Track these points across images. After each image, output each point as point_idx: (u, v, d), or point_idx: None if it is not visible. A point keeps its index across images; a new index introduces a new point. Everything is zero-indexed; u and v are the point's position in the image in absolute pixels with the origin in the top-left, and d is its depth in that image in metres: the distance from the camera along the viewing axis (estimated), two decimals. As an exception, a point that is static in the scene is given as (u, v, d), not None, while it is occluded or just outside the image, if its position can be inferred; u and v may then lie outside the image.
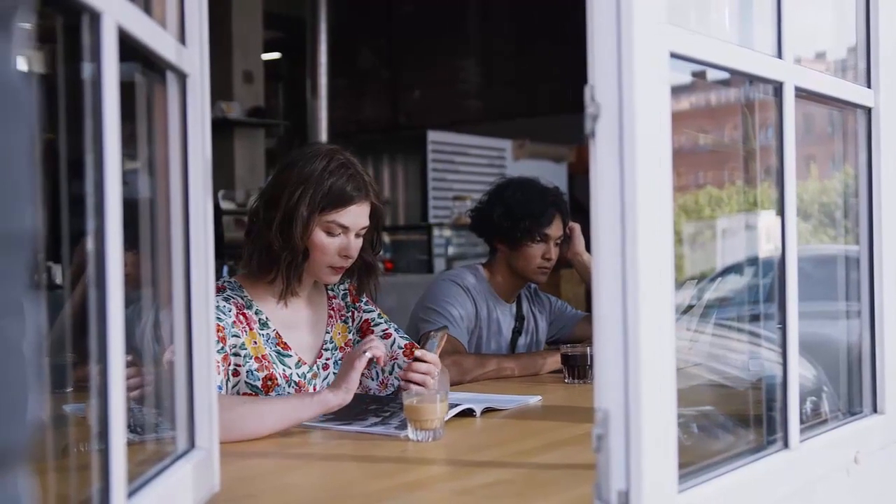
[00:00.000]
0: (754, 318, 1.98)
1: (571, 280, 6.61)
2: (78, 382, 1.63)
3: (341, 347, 2.41)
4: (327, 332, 2.40)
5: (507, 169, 8.22)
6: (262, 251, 2.25)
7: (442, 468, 1.78)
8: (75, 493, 1.18)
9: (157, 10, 1.31)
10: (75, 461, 1.29)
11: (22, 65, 0.64)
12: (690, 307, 2.29)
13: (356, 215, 2.25)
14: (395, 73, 10.75)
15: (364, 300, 2.47)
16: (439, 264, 7.43)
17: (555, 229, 3.07)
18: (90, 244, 1.01)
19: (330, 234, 2.23)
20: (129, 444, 1.08)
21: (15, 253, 0.61)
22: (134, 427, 1.34)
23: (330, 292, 2.46)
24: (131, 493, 1.11)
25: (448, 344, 2.87)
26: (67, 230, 1.11)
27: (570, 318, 3.31)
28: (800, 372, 1.60)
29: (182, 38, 1.37)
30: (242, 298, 2.27)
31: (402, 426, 1.97)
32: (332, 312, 2.42)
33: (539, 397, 2.44)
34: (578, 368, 2.71)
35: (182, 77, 1.37)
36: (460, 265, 4.08)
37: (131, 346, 1.11)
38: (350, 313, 2.46)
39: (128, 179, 1.13)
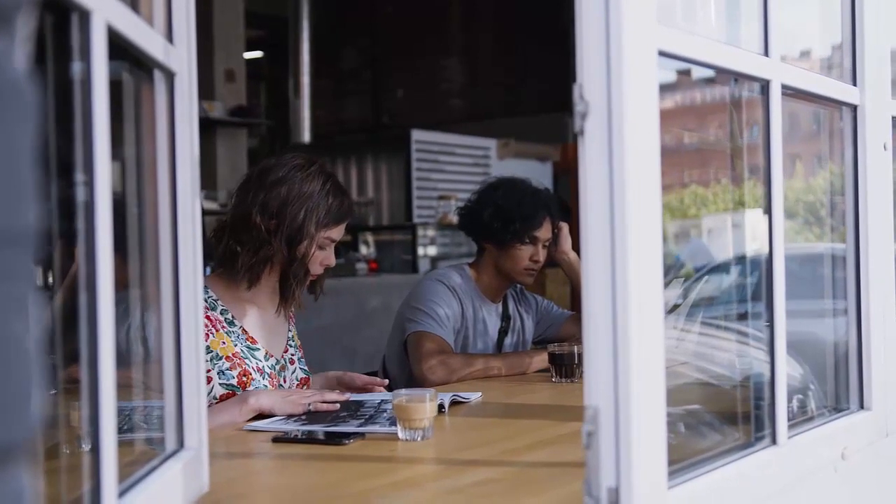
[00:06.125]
0: (740, 317, 1.99)
1: (556, 279, 6.62)
2: (64, 384, 1.62)
3: (300, 346, 2.55)
4: (290, 331, 2.53)
5: (492, 168, 8.21)
6: (262, 263, 2.33)
7: (432, 467, 1.78)
8: (65, 493, 1.17)
9: (144, 8, 1.31)
10: (63, 462, 1.28)
11: (25, 62, 0.64)
12: (676, 306, 2.30)
13: (343, 230, 2.43)
14: (378, 73, 10.75)
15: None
16: (424, 264, 7.42)
17: (544, 232, 3.07)
18: (80, 245, 1.01)
19: (321, 248, 2.38)
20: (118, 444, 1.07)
21: (19, 249, 0.62)
22: (121, 427, 1.34)
23: None
24: (122, 493, 1.10)
25: (434, 344, 2.88)
26: (51, 231, 1.11)
27: (556, 317, 3.32)
28: (787, 370, 1.60)
29: (170, 37, 1.37)
30: (206, 300, 2.30)
31: (394, 422, 1.96)
32: (291, 313, 2.54)
33: (479, 394, 2.45)
34: (566, 367, 2.71)
35: (170, 76, 1.37)
36: (445, 265, 4.08)
37: (117, 348, 1.10)
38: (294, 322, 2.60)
39: (114, 179, 1.13)
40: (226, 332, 2.32)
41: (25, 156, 0.62)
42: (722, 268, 2.64)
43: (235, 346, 2.32)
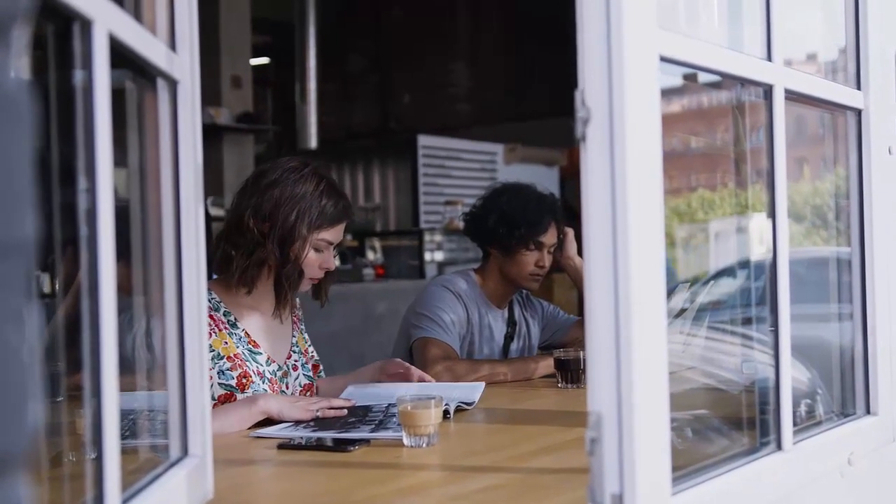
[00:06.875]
0: (747, 321, 1.98)
1: (564, 284, 6.61)
2: (70, 391, 1.63)
3: (304, 352, 2.54)
4: (293, 336, 2.52)
5: (499, 173, 8.21)
6: (256, 266, 2.33)
7: (436, 474, 1.78)
8: (69, 501, 1.18)
9: (147, 16, 1.31)
10: (68, 470, 1.28)
11: (21, 73, 0.64)
12: (683, 310, 2.29)
13: (341, 232, 2.42)
14: (385, 78, 10.75)
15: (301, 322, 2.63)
16: (431, 269, 7.41)
17: (549, 237, 3.07)
18: (83, 253, 1.01)
19: (317, 250, 2.37)
20: (122, 451, 1.08)
21: (15, 260, 0.62)
22: (124, 433, 1.34)
23: None
24: (125, 501, 1.10)
25: (440, 350, 2.88)
26: (56, 239, 1.11)
27: (562, 322, 3.31)
28: (794, 375, 1.60)
29: (172, 45, 1.37)
30: (210, 301, 2.30)
31: (400, 428, 1.96)
32: (294, 320, 2.55)
33: (482, 384, 2.48)
34: (571, 373, 2.71)
35: (173, 84, 1.37)
36: (452, 270, 4.07)
37: (123, 355, 1.10)
38: (302, 325, 2.59)
39: (117, 187, 1.13)
40: (228, 333, 2.33)
41: (22, 166, 0.62)
42: (729, 272, 2.63)
43: (237, 347, 2.32)
